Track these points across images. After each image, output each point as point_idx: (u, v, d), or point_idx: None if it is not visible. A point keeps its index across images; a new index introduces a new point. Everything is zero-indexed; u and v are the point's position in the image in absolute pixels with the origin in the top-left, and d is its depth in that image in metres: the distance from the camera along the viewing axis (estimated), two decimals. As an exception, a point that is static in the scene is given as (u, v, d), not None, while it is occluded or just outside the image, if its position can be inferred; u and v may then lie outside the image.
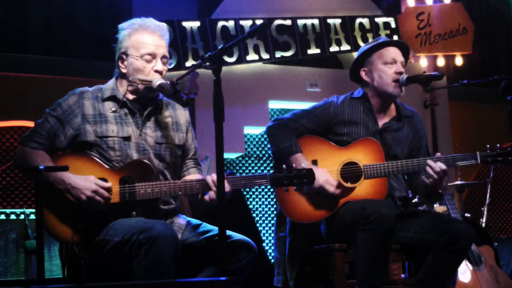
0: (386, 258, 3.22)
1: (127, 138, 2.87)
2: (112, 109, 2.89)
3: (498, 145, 3.20)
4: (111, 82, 2.98)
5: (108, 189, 2.74)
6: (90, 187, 2.70)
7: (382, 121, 3.47)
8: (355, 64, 3.52)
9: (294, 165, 2.89)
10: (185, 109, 3.10)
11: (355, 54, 3.62)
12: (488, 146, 3.22)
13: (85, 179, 2.72)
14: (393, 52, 3.43)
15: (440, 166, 3.17)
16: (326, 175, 3.24)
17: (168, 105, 3.04)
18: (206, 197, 2.86)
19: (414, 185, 3.49)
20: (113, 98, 2.92)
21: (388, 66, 3.41)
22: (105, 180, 2.76)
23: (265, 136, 3.47)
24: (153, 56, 2.90)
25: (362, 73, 3.49)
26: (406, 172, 3.38)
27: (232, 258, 2.75)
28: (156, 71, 2.89)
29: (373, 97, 3.47)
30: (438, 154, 3.26)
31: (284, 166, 2.85)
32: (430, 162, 3.18)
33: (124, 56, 2.93)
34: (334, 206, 3.29)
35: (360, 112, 3.45)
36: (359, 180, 3.28)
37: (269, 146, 3.47)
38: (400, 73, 3.39)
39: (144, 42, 2.90)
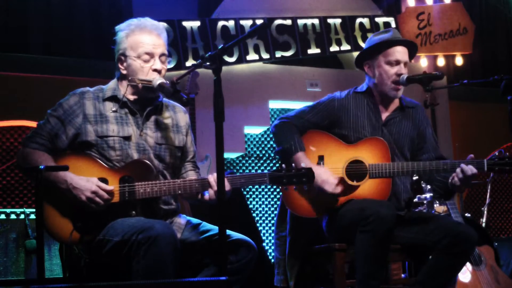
0: (385, 259, 3.21)
1: (128, 138, 2.87)
2: (113, 109, 2.89)
3: (507, 153, 3.18)
4: (112, 83, 2.98)
5: (109, 192, 2.73)
6: (90, 187, 2.70)
7: (385, 114, 3.47)
8: (361, 55, 3.50)
9: (294, 164, 2.89)
10: (185, 112, 3.11)
11: (356, 54, 3.62)
12: (495, 153, 3.20)
13: (87, 180, 2.72)
14: (399, 53, 3.40)
15: (471, 169, 3.13)
16: (326, 175, 3.24)
17: (168, 107, 3.05)
18: (206, 196, 2.86)
19: (430, 180, 3.47)
20: (114, 98, 2.92)
21: (390, 67, 3.40)
22: (105, 179, 2.77)
23: (271, 135, 3.48)
24: (151, 55, 2.89)
25: (365, 67, 3.49)
26: (411, 175, 3.37)
27: (232, 257, 2.75)
28: (155, 70, 2.89)
29: (375, 92, 3.48)
30: (472, 155, 3.22)
31: (283, 165, 2.86)
32: (462, 165, 3.14)
33: (122, 58, 2.93)
34: (336, 202, 3.30)
35: (364, 106, 3.46)
36: (364, 178, 3.28)
37: (271, 143, 3.48)
38: (400, 75, 3.39)
39: (142, 42, 2.89)
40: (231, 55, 5.73)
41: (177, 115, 3.06)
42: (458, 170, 3.16)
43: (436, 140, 3.56)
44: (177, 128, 3.02)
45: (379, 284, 3.12)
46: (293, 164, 2.89)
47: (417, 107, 3.55)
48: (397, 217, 3.15)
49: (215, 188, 2.74)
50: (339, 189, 3.25)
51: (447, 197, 3.51)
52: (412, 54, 3.49)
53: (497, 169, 3.18)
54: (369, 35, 6.14)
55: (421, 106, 3.59)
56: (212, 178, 2.77)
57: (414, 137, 3.47)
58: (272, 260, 4.06)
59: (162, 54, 2.92)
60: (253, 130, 6.17)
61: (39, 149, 2.82)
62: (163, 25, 3.01)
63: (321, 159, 3.35)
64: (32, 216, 4.10)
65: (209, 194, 2.84)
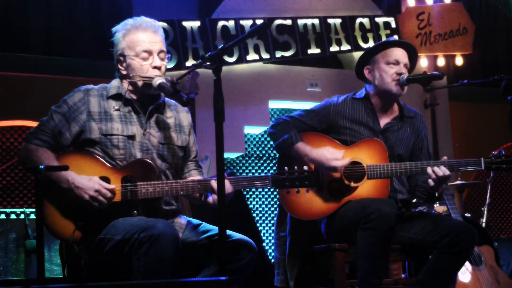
0: (387, 257, 3.22)
1: (132, 137, 2.87)
2: (115, 107, 2.89)
3: (503, 151, 3.19)
4: (115, 81, 2.98)
5: (111, 190, 2.73)
6: (93, 186, 2.70)
7: (384, 121, 3.48)
8: (360, 62, 3.52)
9: (295, 154, 2.87)
10: (188, 112, 3.11)
11: (356, 54, 3.63)
12: (493, 153, 3.21)
13: (89, 179, 2.72)
14: (398, 53, 3.43)
15: (444, 171, 3.17)
16: (329, 155, 3.24)
17: (170, 107, 3.05)
18: (210, 199, 2.86)
19: (411, 184, 3.49)
20: (118, 96, 2.92)
21: (390, 66, 3.41)
22: (107, 179, 2.77)
23: (268, 136, 3.47)
24: (149, 52, 2.89)
25: (366, 71, 3.50)
26: (409, 175, 3.38)
27: (233, 257, 2.75)
28: (155, 67, 2.89)
29: (375, 97, 3.48)
30: (445, 157, 3.26)
31: (286, 168, 2.86)
32: (435, 166, 3.18)
33: (121, 58, 2.93)
34: (335, 204, 3.30)
35: (361, 112, 3.46)
36: (362, 179, 3.28)
37: (271, 143, 3.48)
38: (400, 74, 3.39)
39: (138, 40, 2.89)
40: (231, 55, 5.73)
41: (179, 115, 3.06)
42: (429, 171, 3.17)
43: (430, 153, 3.57)
44: (179, 128, 3.02)
45: (381, 283, 3.12)
46: (295, 167, 2.87)
47: (417, 116, 3.56)
48: (398, 216, 3.15)
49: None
50: (346, 161, 3.24)
51: (431, 200, 3.52)
52: (413, 58, 3.50)
53: (494, 167, 3.19)
54: (369, 35, 6.20)
55: (421, 115, 3.60)
56: (215, 182, 2.76)
57: (410, 147, 3.47)
58: (272, 260, 4.06)
59: (161, 51, 2.92)
60: (253, 130, 6.17)
61: (42, 146, 2.81)
62: (158, 23, 3.00)
63: None
64: (32, 216, 4.10)
65: (212, 198, 2.84)
